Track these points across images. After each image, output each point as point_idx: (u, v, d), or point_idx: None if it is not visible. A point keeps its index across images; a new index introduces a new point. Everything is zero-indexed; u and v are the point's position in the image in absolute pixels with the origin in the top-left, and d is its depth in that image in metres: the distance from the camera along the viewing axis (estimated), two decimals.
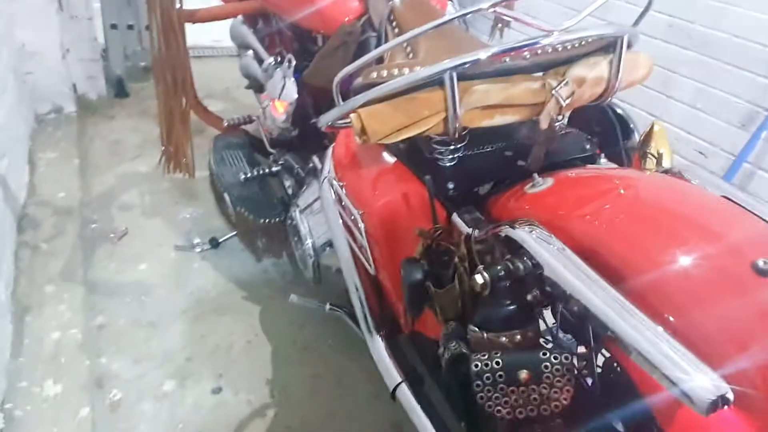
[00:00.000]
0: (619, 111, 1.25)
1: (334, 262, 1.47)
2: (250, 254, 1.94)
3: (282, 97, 1.57)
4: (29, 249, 1.86)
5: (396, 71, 0.98)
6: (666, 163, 1.10)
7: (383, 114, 0.93)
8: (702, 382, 0.58)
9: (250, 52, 1.87)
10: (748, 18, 2.00)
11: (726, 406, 0.57)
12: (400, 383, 1.22)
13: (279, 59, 1.67)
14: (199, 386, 1.50)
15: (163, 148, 1.79)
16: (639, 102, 2.42)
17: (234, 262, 1.94)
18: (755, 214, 0.79)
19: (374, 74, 1.00)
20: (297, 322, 1.71)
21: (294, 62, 1.57)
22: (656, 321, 0.66)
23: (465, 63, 0.88)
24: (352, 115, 0.94)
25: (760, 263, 0.67)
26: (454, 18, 0.91)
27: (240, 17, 1.94)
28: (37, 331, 1.57)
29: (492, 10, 0.87)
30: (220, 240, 1.99)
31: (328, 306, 1.48)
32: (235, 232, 1.98)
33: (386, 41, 1.32)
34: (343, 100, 1.02)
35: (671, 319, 0.68)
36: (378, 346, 1.29)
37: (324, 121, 1.08)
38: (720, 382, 0.58)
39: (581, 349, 0.93)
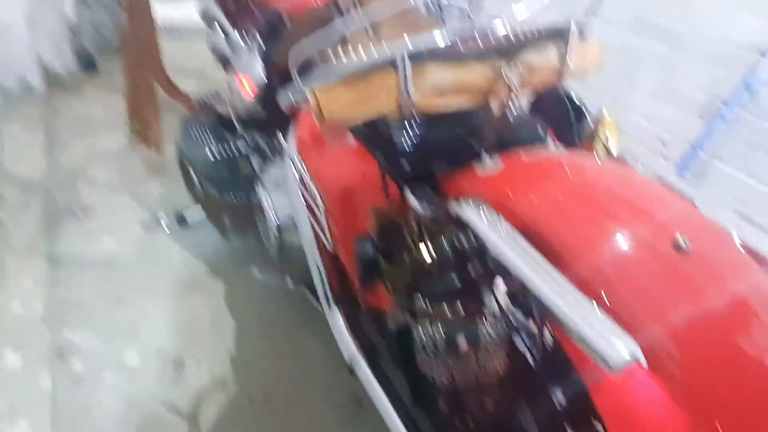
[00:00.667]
0: (574, 98, 1.29)
1: (297, 240, 1.50)
2: (217, 232, 1.96)
3: (248, 74, 1.58)
4: None
5: (351, 52, 1.00)
6: (613, 148, 1.15)
7: (338, 94, 0.95)
8: (615, 344, 0.63)
9: (219, 29, 1.86)
10: (711, 12, 2.06)
11: (634, 364, 0.62)
12: (356, 355, 1.26)
13: (247, 38, 1.67)
14: (161, 359, 1.52)
15: (130, 122, 1.78)
16: (604, 91, 2.48)
17: (200, 239, 1.96)
18: (682, 195, 0.84)
19: (330, 54, 1.02)
20: (261, 298, 1.74)
21: (260, 40, 1.57)
22: (589, 295, 0.71)
23: (417, 46, 0.91)
24: (308, 95, 0.96)
25: (679, 240, 0.72)
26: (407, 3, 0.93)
27: None
28: None
29: None
30: (187, 217, 2.00)
31: (290, 281, 1.51)
32: (202, 210, 1.99)
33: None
34: (301, 74, 1.04)
35: (602, 292, 0.73)
36: (336, 321, 1.33)
37: (284, 98, 1.10)
38: (631, 344, 0.63)
39: (530, 325, 0.99)
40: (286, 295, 1.72)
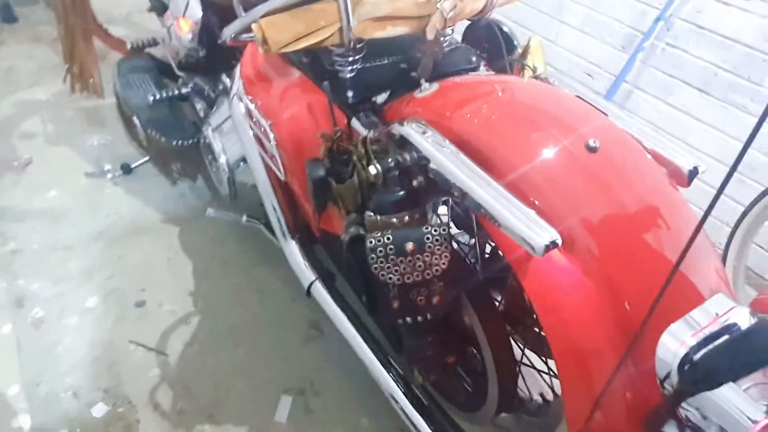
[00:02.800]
0: (505, 29, 1.38)
1: (248, 179, 1.55)
2: (165, 179, 1.96)
3: (186, 16, 1.57)
4: None
5: None
6: (540, 73, 1.25)
7: (283, 24, 0.99)
8: (538, 232, 0.74)
9: None
10: None
11: (555, 248, 0.74)
12: (313, 281, 1.35)
13: None
14: (121, 301, 1.56)
15: (67, 67, 1.74)
16: (535, 26, 2.58)
17: (148, 187, 1.96)
18: (595, 107, 0.95)
19: None
20: (216, 240, 1.78)
21: None
22: (516, 194, 0.81)
23: None
24: (253, 26, 1.00)
25: (590, 142, 0.83)
26: None
27: None
28: None
29: None
30: (133, 166, 2.00)
31: (244, 218, 1.57)
32: (147, 158, 1.98)
33: None
34: (243, 10, 1.07)
35: (528, 192, 0.83)
36: (292, 250, 1.40)
37: (227, 33, 1.13)
38: (551, 231, 0.74)
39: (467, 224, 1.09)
40: (240, 235, 1.78)
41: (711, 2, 1.96)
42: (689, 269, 0.80)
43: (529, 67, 1.26)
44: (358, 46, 1.08)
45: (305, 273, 1.37)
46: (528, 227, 0.76)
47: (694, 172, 0.88)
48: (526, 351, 1.14)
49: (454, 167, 0.85)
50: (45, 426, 1.25)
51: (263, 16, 1.01)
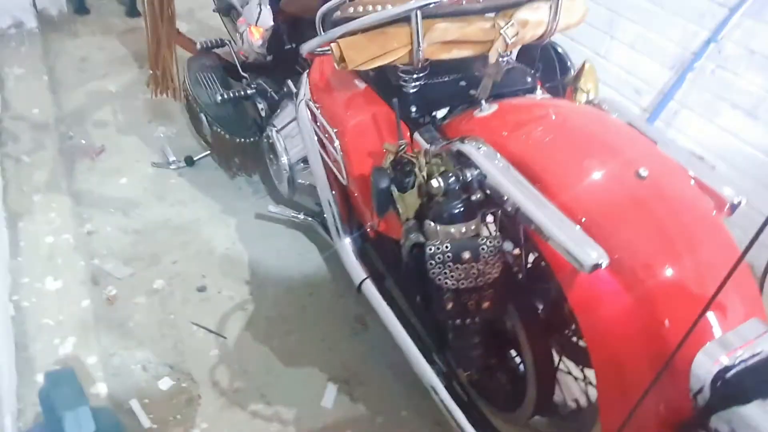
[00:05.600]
0: (559, 50, 1.45)
1: (305, 179, 1.66)
2: (224, 172, 2.09)
3: (259, 24, 1.68)
4: (12, 160, 1.96)
5: (370, 7, 1.13)
6: (592, 96, 1.32)
7: (359, 44, 1.09)
8: (588, 251, 0.82)
9: None
10: None
11: (602, 267, 0.81)
12: (365, 279, 1.45)
13: None
14: (185, 284, 1.69)
15: (151, 72, 1.88)
16: (586, 41, 2.62)
17: (209, 179, 2.09)
18: (645, 135, 1.02)
19: (351, 9, 1.15)
20: (270, 233, 1.90)
21: None
22: (564, 211, 0.89)
23: (429, 4, 1.05)
24: (332, 45, 1.10)
25: (640, 171, 0.90)
26: None
27: None
28: (32, 235, 1.71)
29: None
30: (195, 158, 2.13)
31: (302, 215, 1.68)
32: (209, 151, 2.12)
33: None
34: (322, 29, 1.17)
35: (577, 212, 0.91)
36: (346, 248, 1.50)
37: (306, 48, 1.23)
38: (599, 251, 0.82)
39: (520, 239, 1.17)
40: (293, 231, 1.89)
41: (764, 27, 1.98)
42: (727, 294, 0.86)
43: (582, 90, 1.33)
44: (424, 66, 1.16)
45: (357, 270, 1.47)
46: (578, 245, 0.84)
47: (737, 205, 0.94)
48: (564, 359, 1.21)
49: (511, 184, 0.93)
50: (118, 394, 1.39)
51: (341, 36, 1.11)
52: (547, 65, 1.42)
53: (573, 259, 0.83)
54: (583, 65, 1.36)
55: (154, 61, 1.82)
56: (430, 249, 0.99)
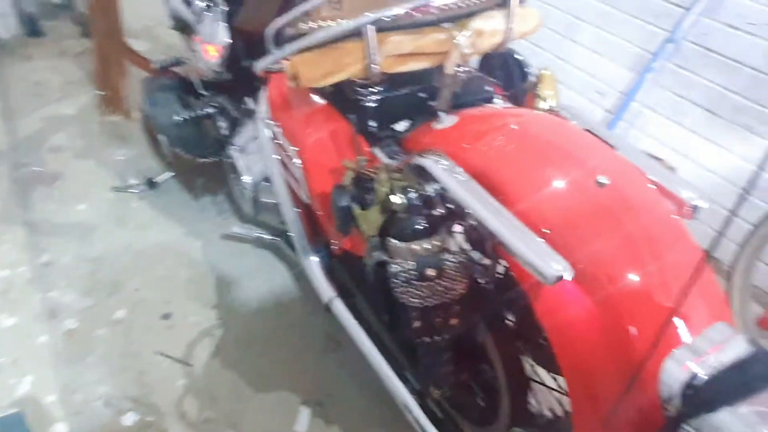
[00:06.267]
0: (518, 57, 1.44)
1: (269, 197, 1.62)
2: (187, 193, 2.05)
3: (214, 41, 1.64)
4: None
5: (323, 23, 1.11)
6: (552, 103, 1.32)
7: (313, 61, 1.07)
8: (550, 263, 0.80)
9: None
10: None
11: (566, 279, 0.80)
12: (333, 298, 1.41)
13: (209, 2, 1.72)
14: (149, 312, 1.63)
15: (100, 92, 1.82)
16: (547, 46, 2.64)
17: (171, 201, 2.04)
18: (605, 141, 1.01)
19: (303, 25, 1.13)
20: (237, 253, 1.85)
21: (224, 6, 1.63)
22: (525, 222, 0.87)
23: (381, 17, 1.03)
24: (286, 62, 1.07)
25: (600, 178, 0.89)
26: None
27: None
28: None
29: None
30: (157, 180, 2.07)
31: (266, 234, 1.64)
32: (171, 173, 2.06)
33: None
34: (275, 46, 1.14)
35: (540, 223, 0.89)
36: (312, 267, 1.47)
37: (260, 66, 1.20)
38: (562, 263, 0.80)
39: (485, 261, 1.16)
40: (260, 251, 1.85)
41: (719, 26, 2.02)
42: (692, 298, 0.85)
43: (541, 97, 1.32)
44: (381, 79, 1.14)
45: (325, 289, 1.43)
46: (541, 258, 0.82)
47: (697, 207, 0.94)
48: (537, 368, 1.20)
49: (472, 199, 0.91)
50: None
51: (294, 53, 1.08)
52: (507, 73, 1.42)
53: (536, 272, 0.81)
54: (542, 72, 1.35)
55: (102, 81, 1.76)
56: (394, 268, 0.97)
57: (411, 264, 0.96)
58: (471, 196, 0.92)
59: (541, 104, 1.33)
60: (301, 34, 1.11)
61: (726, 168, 2.08)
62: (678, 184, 0.96)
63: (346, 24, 1.05)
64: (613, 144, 1.04)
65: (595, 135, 1.05)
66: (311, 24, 1.12)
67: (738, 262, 1.86)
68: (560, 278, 0.80)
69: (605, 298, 0.84)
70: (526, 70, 1.42)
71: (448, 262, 0.95)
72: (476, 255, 1.02)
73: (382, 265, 1.02)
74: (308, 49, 1.08)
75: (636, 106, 2.35)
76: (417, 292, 0.96)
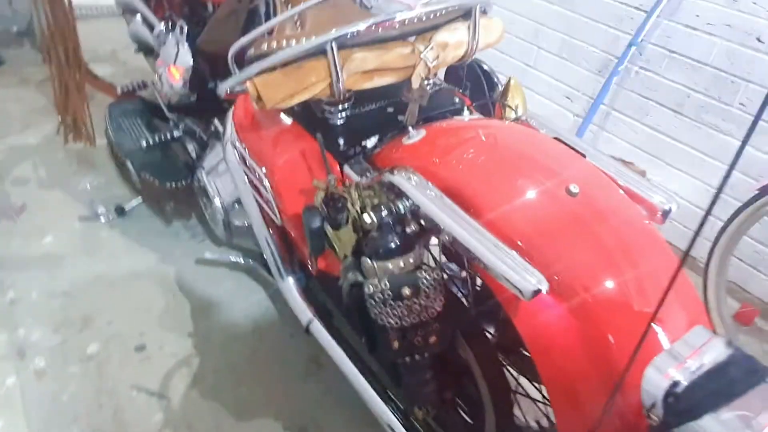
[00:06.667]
0: (485, 67, 1.45)
1: (241, 220, 1.59)
2: (159, 219, 2.00)
3: (177, 63, 1.62)
4: None
5: (284, 42, 1.09)
6: (520, 112, 1.32)
7: (276, 82, 1.05)
8: (526, 277, 0.79)
9: (138, 17, 1.87)
10: None
11: (542, 292, 0.79)
12: (311, 319, 1.38)
13: (170, 25, 1.70)
14: (122, 345, 1.58)
15: (60, 119, 1.77)
16: (514, 53, 2.67)
17: (143, 227, 1.99)
18: (575, 149, 1.01)
19: (265, 45, 1.11)
20: (212, 278, 1.81)
21: (186, 28, 1.61)
22: (499, 236, 0.86)
23: (344, 35, 1.01)
24: (248, 84, 1.05)
25: (571, 187, 0.89)
26: None
27: None
28: None
29: None
30: (126, 207, 2.02)
31: (240, 258, 1.60)
32: (140, 199, 2.02)
33: (274, 8, 1.42)
34: (238, 67, 1.12)
35: (510, 232, 0.88)
36: (289, 289, 1.44)
37: (222, 89, 1.18)
38: (538, 276, 0.79)
39: (462, 273, 1.14)
40: (236, 274, 1.81)
41: (680, 27, 2.06)
42: (669, 303, 0.85)
43: (510, 106, 1.32)
44: (347, 97, 1.13)
45: (303, 311, 1.40)
46: (516, 273, 0.81)
47: (668, 211, 0.94)
48: (521, 379, 1.18)
49: (444, 215, 0.90)
50: None
51: (256, 74, 1.06)
52: (474, 83, 1.42)
53: (512, 286, 0.80)
54: (509, 81, 1.36)
55: (62, 107, 1.71)
56: (369, 288, 0.95)
57: (385, 283, 0.94)
58: (443, 211, 0.90)
59: (510, 113, 1.33)
60: (263, 55, 1.09)
61: (695, 166, 2.11)
62: (649, 189, 0.96)
63: (309, 42, 1.03)
64: (582, 151, 1.04)
65: (564, 143, 1.05)
66: (272, 44, 1.10)
67: (711, 259, 1.88)
68: (537, 292, 0.78)
69: (583, 308, 0.83)
70: (493, 79, 1.43)
71: (423, 280, 0.94)
72: (452, 271, 1.00)
73: (356, 287, 0.99)
74: (271, 69, 1.06)
75: (604, 109, 2.38)
76: (393, 311, 0.94)
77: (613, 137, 2.39)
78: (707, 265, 1.89)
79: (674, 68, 2.11)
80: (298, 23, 1.20)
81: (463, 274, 1.16)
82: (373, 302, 0.94)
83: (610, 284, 0.84)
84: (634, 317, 0.83)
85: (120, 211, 2.02)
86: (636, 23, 2.16)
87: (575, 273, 0.84)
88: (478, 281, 1.03)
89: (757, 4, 1.85)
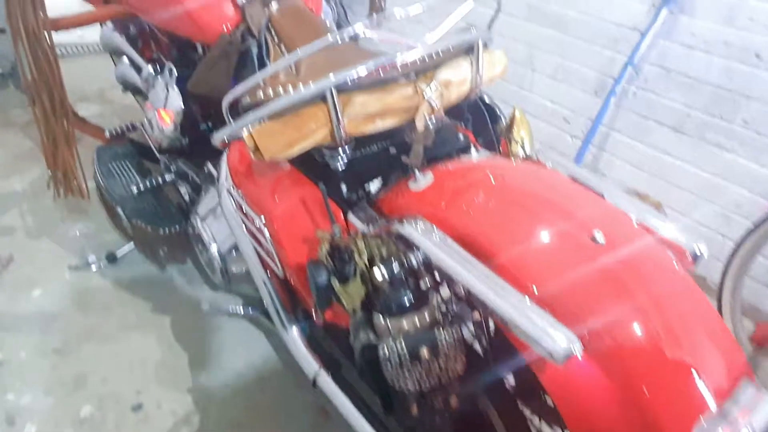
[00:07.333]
0: (486, 100, 1.39)
1: (239, 266, 1.52)
2: (152, 264, 1.92)
3: (167, 107, 1.56)
4: None
5: (281, 89, 1.04)
6: (527, 146, 1.27)
7: (274, 131, 0.99)
8: (557, 339, 0.73)
9: (125, 59, 1.81)
10: None
11: (577, 356, 0.72)
12: (318, 371, 1.31)
13: (159, 67, 1.64)
14: (118, 405, 1.50)
15: (50, 173, 1.70)
16: (509, 77, 2.63)
17: (136, 274, 1.91)
18: (594, 191, 0.95)
19: (260, 93, 1.05)
20: (211, 327, 1.74)
21: (175, 71, 1.56)
22: (521, 290, 0.80)
23: (343, 80, 0.96)
24: (244, 135, 0.99)
25: (596, 235, 0.83)
26: (334, 40, 0.97)
27: (109, 23, 1.87)
28: None
29: (363, 34, 0.95)
30: (118, 254, 1.95)
31: (240, 308, 1.53)
32: (132, 245, 1.94)
33: (267, 50, 1.36)
34: (231, 114, 1.06)
35: (533, 286, 0.82)
36: (294, 339, 1.36)
37: (217, 138, 1.12)
38: (571, 337, 0.73)
39: (475, 316, 1.07)
40: (236, 321, 1.73)
41: (675, 46, 2.03)
42: (710, 356, 0.79)
43: (516, 140, 1.27)
44: (348, 142, 1.07)
45: (309, 363, 1.33)
46: (546, 334, 0.74)
47: (699, 255, 0.89)
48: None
49: (464, 271, 0.84)
50: None
51: (253, 124, 1.01)
52: (476, 116, 1.37)
53: (542, 349, 0.74)
54: (513, 114, 1.31)
55: (52, 161, 1.65)
56: (384, 351, 0.88)
57: (401, 344, 0.88)
58: (461, 266, 0.84)
59: (516, 148, 1.28)
60: (259, 103, 1.03)
61: (698, 185, 2.07)
62: (676, 231, 0.90)
63: (307, 89, 0.98)
64: (599, 190, 0.99)
65: (580, 182, 1.00)
66: (268, 91, 1.05)
67: (725, 280, 1.83)
68: (570, 355, 0.72)
69: (619, 368, 0.77)
70: (496, 111, 1.38)
71: (443, 339, 0.87)
72: (472, 326, 0.94)
73: (370, 347, 0.93)
74: (267, 118, 1.00)
75: (604, 130, 2.34)
76: (411, 374, 0.87)
77: (613, 158, 2.35)
78: (721, 286, 1.83)
79: (673, 87, 2.08)
80: (293, 67, 1.15)
81: (476, 315, 1.10)
82: (389, 365, 0.88)
83: (643, 338, 0.78)
84: (672, 372, 0.76)
85: (111, 258, 1.94)
86: (631, 44, 2.14)
87: (607, 328, 0.78)
88: (499, 338, 0.96)
89: (753, 21, 1.83)
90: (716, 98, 1.97)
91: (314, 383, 1.31)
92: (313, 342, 1.37)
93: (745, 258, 1.79)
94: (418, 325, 0.91)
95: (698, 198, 2.09)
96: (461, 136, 1.23)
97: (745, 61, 1.87)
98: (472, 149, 1.20)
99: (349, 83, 0.98)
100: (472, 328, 0.93)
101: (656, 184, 2.20)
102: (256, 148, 0.99)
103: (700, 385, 0.75)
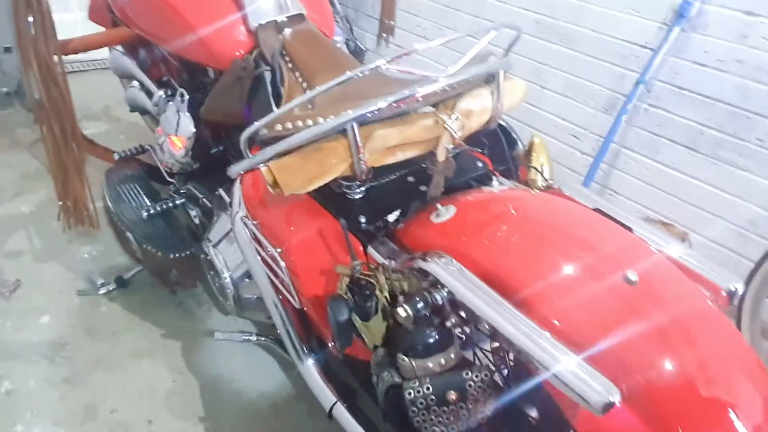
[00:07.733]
0: (503, 125, 1.37)
1: (253, 293, 1.50)
2: (162, 288, 1.90)
3: (179, 133, 1.54)
4: None
5: (300, 123, 1.02)
6: (547, 173, 1.25)
7: (293, 166, 0.97)
8: (596, 388, 0.70)
9: (135, 83, 1.80)
10: (603, 15, 2.24)
11: (617, 405, 0.70)
12: (335, 403, 1.28)
13: (169, 92, 1.63)
14: None
15: (60, 203, 1.68)
16: None
17: (145, 298, 1.89)
18: (621, 224, 0.93)
19: (279, 126, 1.03)
20: (222, 353, 1.71)
21: (187, 96, 1.54)
22: (548, 329, 0.77)
23: (365, 114, 0.94)
24: (263, 169, 0.97)
25: (630, 275, 0.80)
26: (353, 75, 0.95)
27: (119, 47, 1.85)
28: None
29: (385, 65, 0.93)
30: (127, 277, 1.92)
31: (254, 336, 1.51)
32: (141, 267, 1.92)
33: (281, 76, 1.35)
34: (249, 152, 1.05)
35: (572, 335, 0.79)
36: (309, 370, 1.34)
37: (234, 171, 1.10)
38: (610, 387, 0.70)
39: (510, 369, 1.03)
40: (248, 348, 1.71)
41: (688, 64, 2.02)
42: (749, 397, 0.76)
43: (535, 168, 1.25)
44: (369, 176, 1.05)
45: (325, 394, 1.30)
46: (585, 384, 0.72)
47: (734, 292, 0.86)
48: None
49: (497, 315, 0.81)
50: None
51: (272, 159, 0.99)
52: (494, 144, 1.35)
53: (580, 399, 0.71)
54: (532, 141, 1.29)
55: (62, 191, 1.62)
56: (410, 393, 0.85)
57: (428, 387, 0.85)
58: (494, 310, 0.81)
59: (535, 175, 1.26)
60: (278, 138, 1.01)
61: (711, 203, 2.05)
62: (710, 268, 0.88)
63: (327, 123, 0.96)
64: (626, 223, 0.96)
65: (606, 215, 0.97)
66: (287, 125, 1.03)
67: (744, 301, 1.80)
68: (610, 406, 0.69)
69: (656, 413, 0.74)
70: (514, 137, 1.36)
71: (470, 383, 0.84)
72: (502, 369, 0.91)
73: (395, 388, 0.90)
74: (285, 152, 0.98)
75: (615, 148, 2.32)
76: (438, 419, 0.85)
77: (624, 175, 2.33)
78: (740, 307, 1.81)
79: (685, 105, 2.06)
80: (307, 103, 1.13)
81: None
82: (415, 409, 0.85)
83: (680, 381, 0.75)
84: (709, 415, 0.74)
85: (120, 281, 1.92)
86: (642, 61, 2.12)
87: (645, 375, 0.75)
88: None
89: (767, 39, 1.81)
90: (730, 116, 1.95)
91: (330, 415, 1.28)
92: (328, 372, 1.35)
93: (764, 278, 1.76)
94: (445, 365, 0.89)
95: (712, 216, 2.07)
96: (480, 163, 1.21)
97: (759, 80, 1.85)
98: (494, 180, 1.17)
99: (369, 116, 0.96)
100: (504, 372, 0.91)
101: (669, 202, 2.18)
102: (275, 183, 0.97)
103: (739, 426, 0.73)
